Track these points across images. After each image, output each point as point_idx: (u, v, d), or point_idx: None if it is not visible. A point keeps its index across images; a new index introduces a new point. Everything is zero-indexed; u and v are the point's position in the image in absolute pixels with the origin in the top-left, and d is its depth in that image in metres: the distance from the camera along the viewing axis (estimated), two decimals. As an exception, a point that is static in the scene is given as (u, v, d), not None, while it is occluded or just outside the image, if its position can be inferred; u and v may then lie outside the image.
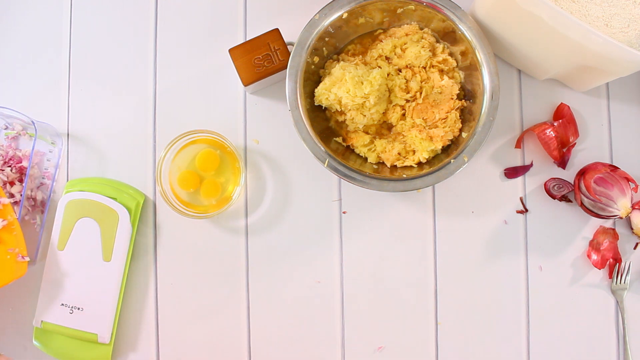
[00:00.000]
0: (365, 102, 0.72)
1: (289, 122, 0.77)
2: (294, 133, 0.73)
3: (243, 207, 0.80)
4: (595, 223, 0.79)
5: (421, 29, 0.77)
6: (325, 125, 0.77)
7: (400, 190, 0.72)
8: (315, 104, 0.75)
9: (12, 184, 0.77)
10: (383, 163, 0.76)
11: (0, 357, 0.72)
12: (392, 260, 0.79)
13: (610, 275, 0.79)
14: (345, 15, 0.73)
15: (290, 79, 0.72)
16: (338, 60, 0.77)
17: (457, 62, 0.76)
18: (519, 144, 0.80)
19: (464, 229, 0.79)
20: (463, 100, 0.76)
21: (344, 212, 0.80)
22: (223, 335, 0.79)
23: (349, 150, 0.77)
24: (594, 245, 0.79)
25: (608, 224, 0.80)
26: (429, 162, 0.75)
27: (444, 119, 0.75)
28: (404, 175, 0.73)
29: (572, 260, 0.79)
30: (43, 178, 0.79)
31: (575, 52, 0.67)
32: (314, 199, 0.80)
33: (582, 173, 0.78)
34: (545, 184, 0.79)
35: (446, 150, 0.75)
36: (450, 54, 0.76)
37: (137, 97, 0.81)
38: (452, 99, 0.75)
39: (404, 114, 0.76)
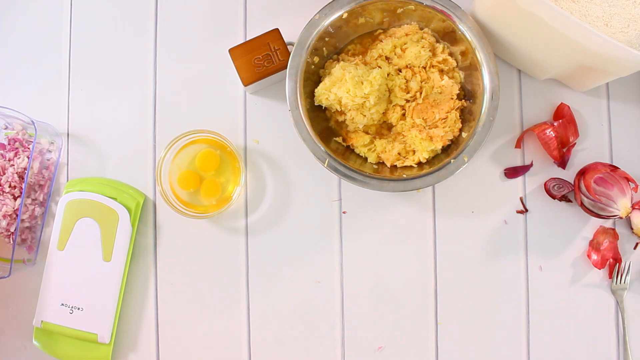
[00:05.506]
0: (365, 102, 0.72)
1: (289, 122, 0.77)
2: (294, 133, 0.73)
3: (243, 207, 0.80)
4: (595, 223, 0.79)
5: (421, 29, 0.77)
6: (325, 125, 0.77)
7: (400, 190, 0.72)
8: (315, 104, 0.75)
9: (12, 184, 0.77)
10: (383, 163, 0.76)
11: None
12: (392, 260, 0.79)
13: (610, 275, 0.79)
14: (345, 15, 0.73)
15: (290, 79, 0.72)
16: (338, 60, 0.77)
17: (457, 62, 0.76)
18: (519, 144, 0.80)
19: (464, 229, 0.79)
20: (463, 100, 0.76)
21: (344, 212, 0.80)
22: (223, 335, 0.79)
23: (349, 150, 0.77)
24: (594, 245, 0.79)
25: (608, 224, 0.80)
26: (429, 162, 0.75)
27: (444, 119, 0.75)
28: (404, 175, 0.73)
29: (572, 260, 0.79)
30: (43, 178, 0.79)
31: (575, 52, 0.67)
32: (314, 199, 0.80)
33: (582, 173, 0.78)
34: (545, 184, 0.79)
35: (446, 150, 0.75)
36: (450, 54, 0.76)
37: (137, 97, 0.81)
38: (452, 99, 0.75)
39: (404, 114, 0.76)
